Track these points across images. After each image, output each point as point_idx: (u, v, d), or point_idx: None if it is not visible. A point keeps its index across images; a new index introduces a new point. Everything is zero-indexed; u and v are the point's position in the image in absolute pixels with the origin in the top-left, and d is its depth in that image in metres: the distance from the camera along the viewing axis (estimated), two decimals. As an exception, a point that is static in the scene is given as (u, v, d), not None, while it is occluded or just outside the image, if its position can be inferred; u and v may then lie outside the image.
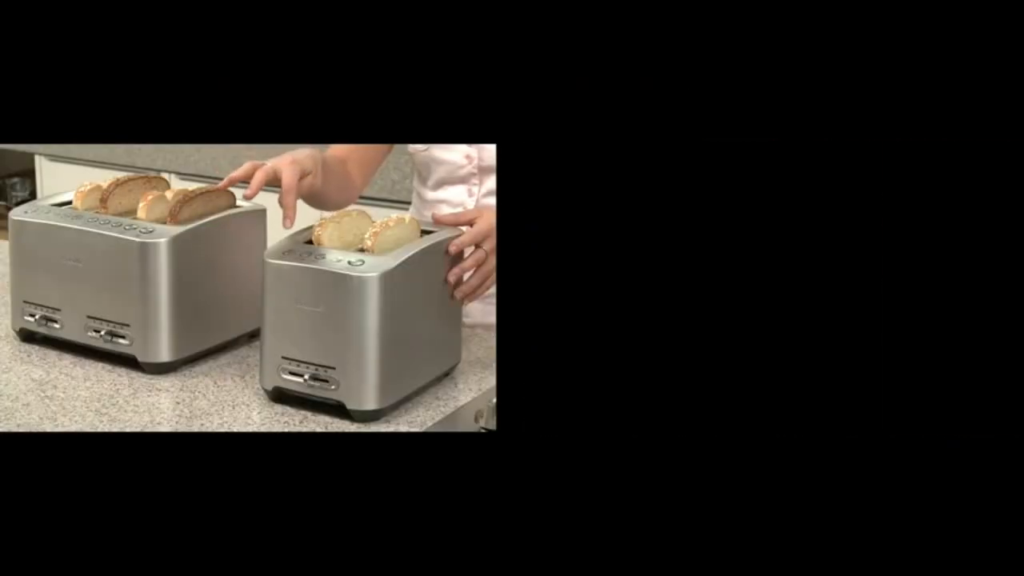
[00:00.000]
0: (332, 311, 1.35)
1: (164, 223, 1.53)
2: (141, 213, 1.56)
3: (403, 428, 1.38)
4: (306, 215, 1.52)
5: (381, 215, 1.49)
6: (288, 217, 1.51)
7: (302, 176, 1.55)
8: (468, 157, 1.77)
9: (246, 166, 1.54)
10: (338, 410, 1.39)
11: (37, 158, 3.73)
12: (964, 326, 0.99)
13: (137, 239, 1.50)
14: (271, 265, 1.38)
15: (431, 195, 1.82)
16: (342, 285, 1.34)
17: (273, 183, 1.53)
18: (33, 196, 3.89)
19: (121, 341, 1.52)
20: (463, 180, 1.78)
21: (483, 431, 1.33)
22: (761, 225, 1.06)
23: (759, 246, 1.06)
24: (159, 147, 3.38)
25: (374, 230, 1.42)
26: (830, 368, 0.98)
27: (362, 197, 2.95)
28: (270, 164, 1.53)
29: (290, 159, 1.55)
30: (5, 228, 1.64)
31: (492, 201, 1.76)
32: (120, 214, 1.59)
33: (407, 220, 1.46)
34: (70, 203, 1.63)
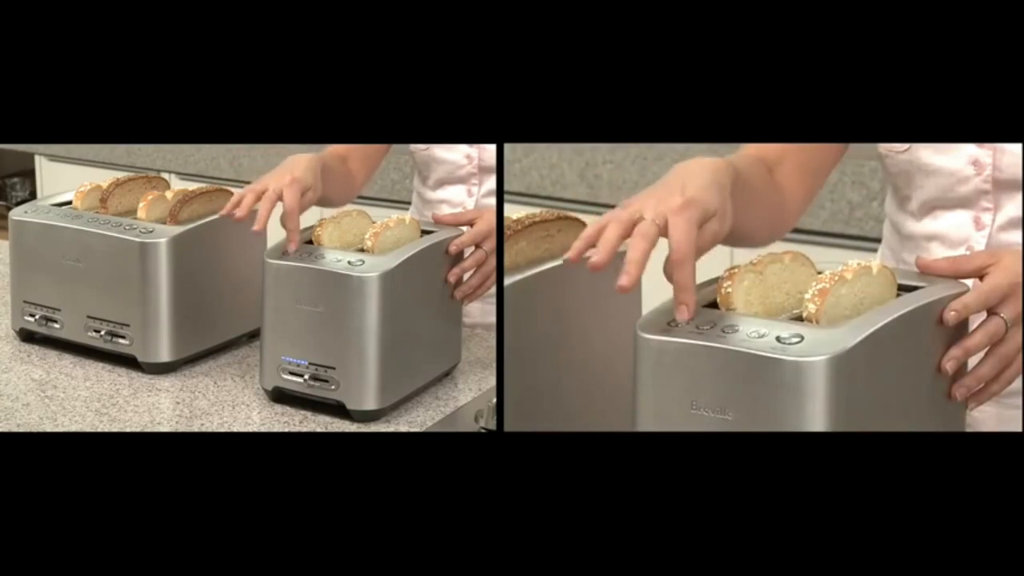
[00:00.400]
0: (332, 311, 1.35)
1: (164, 223, 1.54)
2: (141, 213, 1.56)
3: (403, 428, 1.38)
4: (307, 215, 1.52)
5: (381, 215, 1.48)
6: (292, 241, 1.40)
7: (303, 193, 1.49)
8: (468, 157, 1.77)
9: (246, 197, 1.45)
10: (338, 410, 1.39)
11: (37, 158, 3.73)
12: None
13: (137, 239, 1.50)
14: (271, 265, 1.38)
15: (431, 195, 1.82)
16: (342, 285, 1.34)
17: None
18: (33, 196, 3.89)
19: (121, 341, 1.52)
20: (463, 180, 1.79)
21: (483, 431, 1.33)
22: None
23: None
24: (159, 147, 3.38)
25: (374, 230, 1.41)
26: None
27: (362, 197, 2.93)
28: (271, 189, 1.44)
29: (289, 178, 1.45)
30: (5, 228, 1.64)
31: (492, 201, 1.75)
32: (120, 214, 1.59)
33: (407, 220, 1.46)
34: (70, 203, 1.63)
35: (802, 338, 0.92)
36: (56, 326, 1.57)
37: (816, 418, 0.90)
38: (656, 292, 1.09)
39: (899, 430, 0.97)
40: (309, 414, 1.40)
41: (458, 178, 1.79)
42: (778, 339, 0.93)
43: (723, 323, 0.96)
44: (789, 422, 0.91)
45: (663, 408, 0.96)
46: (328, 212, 1.50)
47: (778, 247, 1.12)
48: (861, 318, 0.96)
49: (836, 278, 0.99)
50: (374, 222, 1.44)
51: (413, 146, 1.83)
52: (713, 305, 1.02)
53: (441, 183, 1.80)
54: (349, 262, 1.35)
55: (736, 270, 1.02)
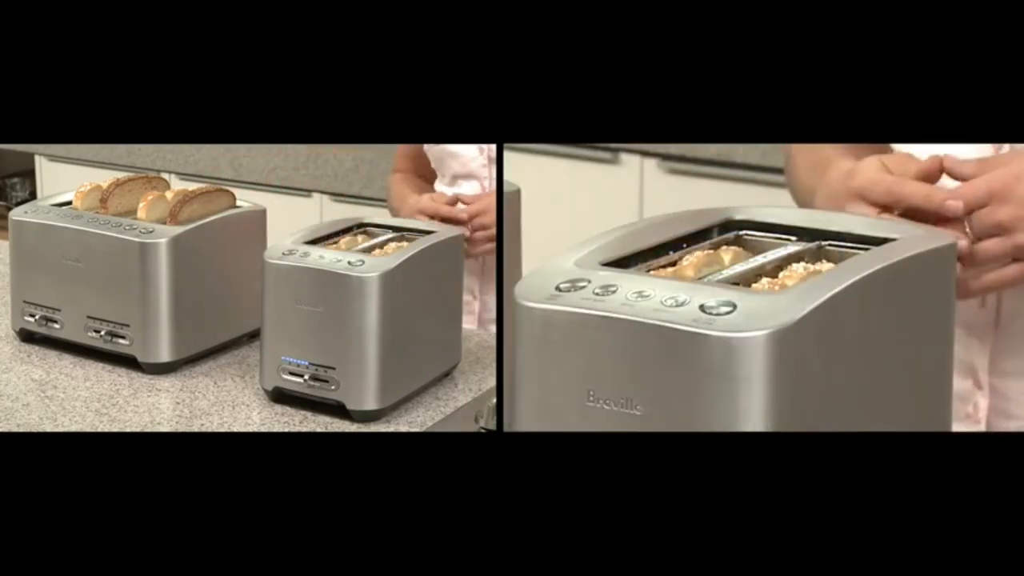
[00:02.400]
0: (332, 311, 1.35)
1: (164, 223, 1.54)
2: (141, 213, 1.56)
3: (403, 428, 1.38)
4: (306, 213, 1.52)
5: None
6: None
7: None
8: (480, 149, 1.79)
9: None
10: (338, 410, 1.39)
11: (37, 158, 3.73)
12: None
13: (137, 239, 1.50)
14: (271, 265, 1.38)
15: (448, 191, 1.83)
16: (342, 285, 1.34)
17: None
18: (33, 196, 3.89)
19: (121, 341, 1.52)
20: (475, 174, 1.80)
21: (483, 431, 1.33)
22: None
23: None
24: (159, 147, 3.38)
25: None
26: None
27: (363, 197, 2.94)
28: None
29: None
30: (5, 228, 1.64)
31: None
32: (120, 214, 1.59)
33: (405, 247, 1.45)
34: (70, 203, 1.63)
35: (734, 307, 0.72)
36: (56, 326, 1.57)
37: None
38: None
39: (863, 428, 0.78)
40: (309, 414, 1.40)
41: (471, 172, 1.80)
42: (703, 308, 0.73)
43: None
44: (717, 418, 0.72)
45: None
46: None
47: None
48: (813, 281, 0.75)
49: (776, 288, 0.79)
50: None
51: (427, 145, 1.86)
52: (621, 263, 0.81)
53: (456, 178, 1.83)
54: (349, 262, 1.35)
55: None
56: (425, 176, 1.93)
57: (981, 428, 1.16)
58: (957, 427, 1.15)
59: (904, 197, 1.02)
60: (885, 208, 1.03)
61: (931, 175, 1.05)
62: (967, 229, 1.01)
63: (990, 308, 1.13)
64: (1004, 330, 1.13)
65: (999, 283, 1.04)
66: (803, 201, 1.24)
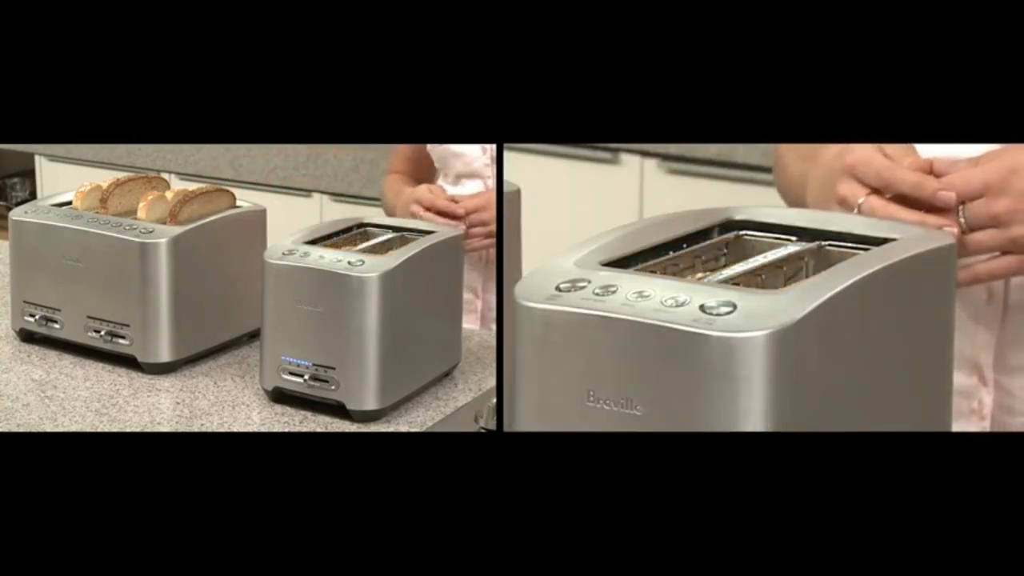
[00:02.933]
0: (332, 311, 1.35)
1: (164, 223, 1.54)
2: (141, 213, 1.56)
3: (403, 428, 1.38)
4: (306, 213, 1.52)
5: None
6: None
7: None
8: (483, 148, 1.79)
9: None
10: (338, 410, 1.39)
11: (37, 158, 3.74)
12: None
13: (137, 239, 1.50)
14: (271, 265, 1.38)
15: (451, 191, 1.83)
16: (342, 285, 1.34)
17: None
18: (33, 196, 3.89)
19: (121, 341, 1.52)
20: (479, 173, 1.80)
21: (483, 431, 1.33)
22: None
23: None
24: (159, 147, 3.38)
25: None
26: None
27: (363, 197, 2.94)
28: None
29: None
30: (5, 228, 1.64)
31: None
32: (120, 214, 1.59)
33: (405, 247, 1.46)
34: (70, 203, 1.63)
35: (734, 307, 0.73)
36: (56, 326, 1.57)
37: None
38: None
39: (864, 428, 0.78)
40: (309, 414, 1.40)
41: (474, 171, 1.81)
42: (703, 308, 0.73)
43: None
44: (717, 418, 0.73)
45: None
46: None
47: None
48: (814, 280, 0.76)
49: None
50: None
51: (430, 145, 1.86)
52: (621, 263, 0.82)
53: (460, 178, 1.83)
54: (349, 262, 1.35)
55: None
56: (420, 180, 1.93)
57: (986, 424, 1.16)
58: (962, 423, 1.15)
59: (894, 182, 1.03)
60: (875, 191, 1.03)
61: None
62: (960, 218, 1.01)
63: (996, 304, 1.13)
64: (1010, 326, 1.13)
65: (987, 275, 1.04)
66: (794, 194, 1.24)
